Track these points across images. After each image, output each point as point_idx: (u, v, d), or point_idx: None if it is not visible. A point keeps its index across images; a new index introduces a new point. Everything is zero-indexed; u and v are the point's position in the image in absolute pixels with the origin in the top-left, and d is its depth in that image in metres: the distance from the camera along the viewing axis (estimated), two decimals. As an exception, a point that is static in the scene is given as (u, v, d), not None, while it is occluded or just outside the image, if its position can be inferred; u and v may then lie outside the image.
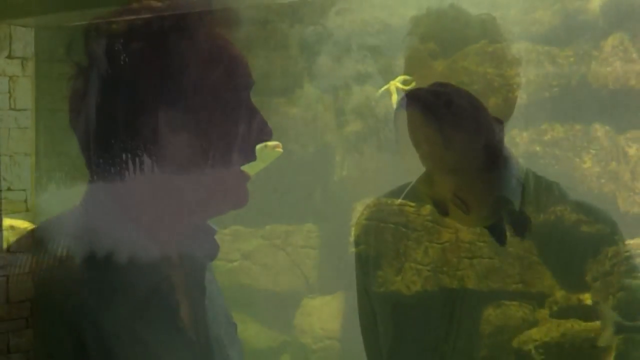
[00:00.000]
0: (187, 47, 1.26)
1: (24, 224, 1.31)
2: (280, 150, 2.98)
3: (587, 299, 1.64)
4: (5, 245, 1.26)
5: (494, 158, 1.70)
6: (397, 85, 2.08)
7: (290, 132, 4.04)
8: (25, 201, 1.29)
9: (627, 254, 1.67)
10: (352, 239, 1.92)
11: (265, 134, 1.33)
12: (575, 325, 1.64)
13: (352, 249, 1.89)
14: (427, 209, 1.76)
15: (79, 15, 1.27)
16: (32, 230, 1.28)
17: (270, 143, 2.85)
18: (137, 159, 1.26)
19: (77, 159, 1.29)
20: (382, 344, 1.83)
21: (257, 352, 5.21)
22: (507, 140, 1.72)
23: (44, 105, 1.33)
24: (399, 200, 1.82)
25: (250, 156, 1.32)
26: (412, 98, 1.67)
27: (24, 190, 1.29)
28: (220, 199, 1.32)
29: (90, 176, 1.30)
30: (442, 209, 1.69)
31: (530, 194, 1.70)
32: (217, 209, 1.35)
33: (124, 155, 1.26)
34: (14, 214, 1.28)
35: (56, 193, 1.45)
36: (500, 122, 1.70)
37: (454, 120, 1.63)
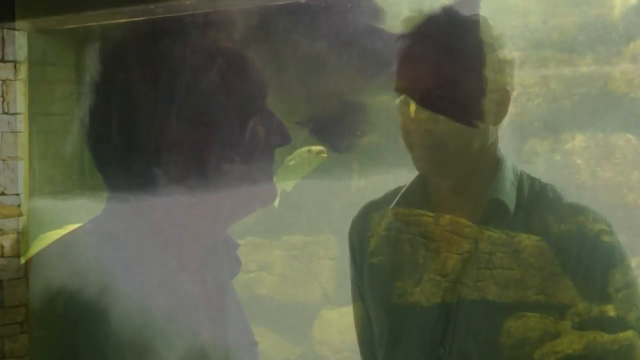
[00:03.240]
0: (203, 54, 1.26)
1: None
2: (325, 155, 2.91)
3: (610, 310, 1.62)
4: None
5: (488, 161, 1.70)
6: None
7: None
8: (19, 205, 1.28)
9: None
10: (370, 249, 1.91)
11: (283, 138, 1.33)
12: (598, 337, 1.61)
13: (372, 260, 1.88)
14: (446, 218, 1.75)
15: (72, 19, 1.27)
16: (27, 234, 1.28)
17: (314, 148, 2.81)
18: (157, 169, 1.26)
19: (70, 163, 1.28)
20: (377, 347, 1.82)
21: (275, 363, 5.20)
22: (526, 149, 1.71)
23: (37, 109, 1.33)
24: (395, 195, 1.83)
25: (270, 159, 1.32)
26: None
27: (17, 194, 1.28)
28: (247, 198, 1.32)
29: (108, 190, 1.29)
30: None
31: (524, 197, 1.69)
32: (245, 209, 1.34)
33: (143, 166, 1.26)
34: (7, 218, 1.27)
35: (50, 197, 1.44)
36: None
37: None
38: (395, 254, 1.82)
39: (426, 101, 1.65)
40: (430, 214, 1.78)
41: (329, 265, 5.14)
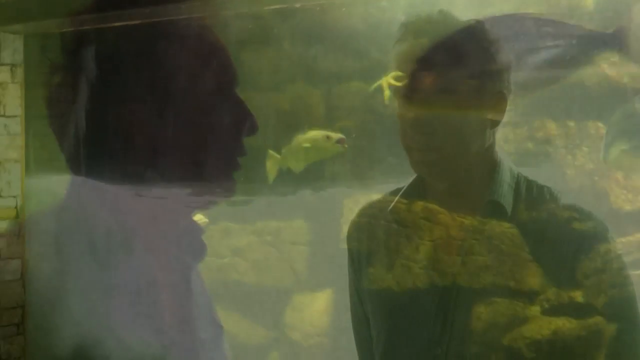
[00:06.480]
0: (170, 42, 1.24)
1: None
2: (346, 146, 2.76)
3: (579, 296, 1.63)
4: None
5: (485, 163, 1.71)
6: (389, 82, 2.08)
7: (281, 128, 4.03)
8: (16, 207, 1.28)
9: (620, 251, 1.67)
10: (344, 235, 1.91)
11: (251, 128, 1.31)
12: (567, 323, 1.63)
13: (344, 246, 1.89)
14: (419, 205, 1.76)
15: (68, 22, 1.27)
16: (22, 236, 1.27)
17: (333, 135, 2.69)
18: (120, 153, 1.25)
19: (67, 165, 1.29)
20: (375, 348, 1.82)
21: (247, 348, 5.20)
22: (498, 137, 1.72)
23: (34, 112, 1.33)
24: (393, 198, 1.82)
25: (239, 150, 1.31)
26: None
27: (14, 196, 1.28)
28: (208, 189, 1.30)
29: (71, 172, 1.28)
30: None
31: (521, 199, 1.70)
32: (205, 200, 1.33)
33: (106, 149, 1.25)
34: (3, 220, 1.27)
35: (46, 199, 1.44)
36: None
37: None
38: (368, 240, 1.82)
39: (424, 104, 1.66)
40: (404, 200, 1.79)
41: (302, 250, 5.14)
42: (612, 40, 1.68)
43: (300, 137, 2.72)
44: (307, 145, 2.62)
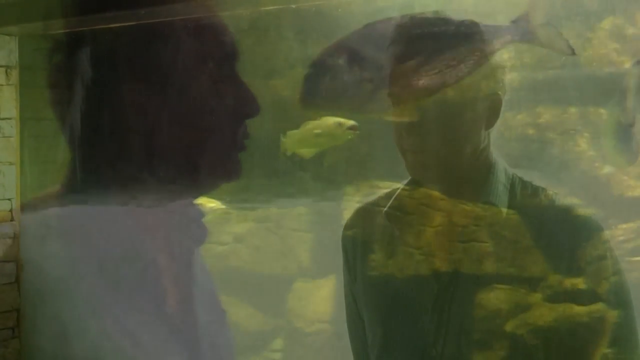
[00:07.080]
0: (169, 23, 1.23)
1: None
2: (356, 131, 2.73)
3: (581, 283, 1.64)
4: None
5: (480, 165, 1.71)
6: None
7: (281, 115, 4.02)
8: (11, 210, 1.29)
9: (621, 237, 1.68)
10: (344, 222, 1.91)
11: (252, 109, 1.30)
12: (569, 310, 1.63)
13: (345, 233, 1.89)
14: (421, 192, 1.76)
15: (63, 23, 1.27)
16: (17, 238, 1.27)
17: (344, 122, 2.66)
18: (121, 134, 1.24)
19: (62, 167, 1.29)
20: (370, 350, 1.83)
21: (250, 336, 5.22)
22: (500, 123, 1.72)
23: (29, 114, 1.33)
24: (387, 201, 1.82)
25: (243, 131, 1.30)
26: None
27: (9, 199, 1.29)
28: (211, 172, 1.30)
29: (72, 155, 1.28)
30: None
31: (516, 200, 1.70)
32: (209, 183, 1.32)
33: (107, 131, 1.25)
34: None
35: (41, 202, 1.44)
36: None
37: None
38: (370, 227, 1.83)
39: (417, 106, 1.66)
40: (406, 187, 1.79)
41: (304, 237, 5.15)
42: (512, 32, 1.66)
43: (311, 122, 2.70)
44: (318, 131, 2.61)
